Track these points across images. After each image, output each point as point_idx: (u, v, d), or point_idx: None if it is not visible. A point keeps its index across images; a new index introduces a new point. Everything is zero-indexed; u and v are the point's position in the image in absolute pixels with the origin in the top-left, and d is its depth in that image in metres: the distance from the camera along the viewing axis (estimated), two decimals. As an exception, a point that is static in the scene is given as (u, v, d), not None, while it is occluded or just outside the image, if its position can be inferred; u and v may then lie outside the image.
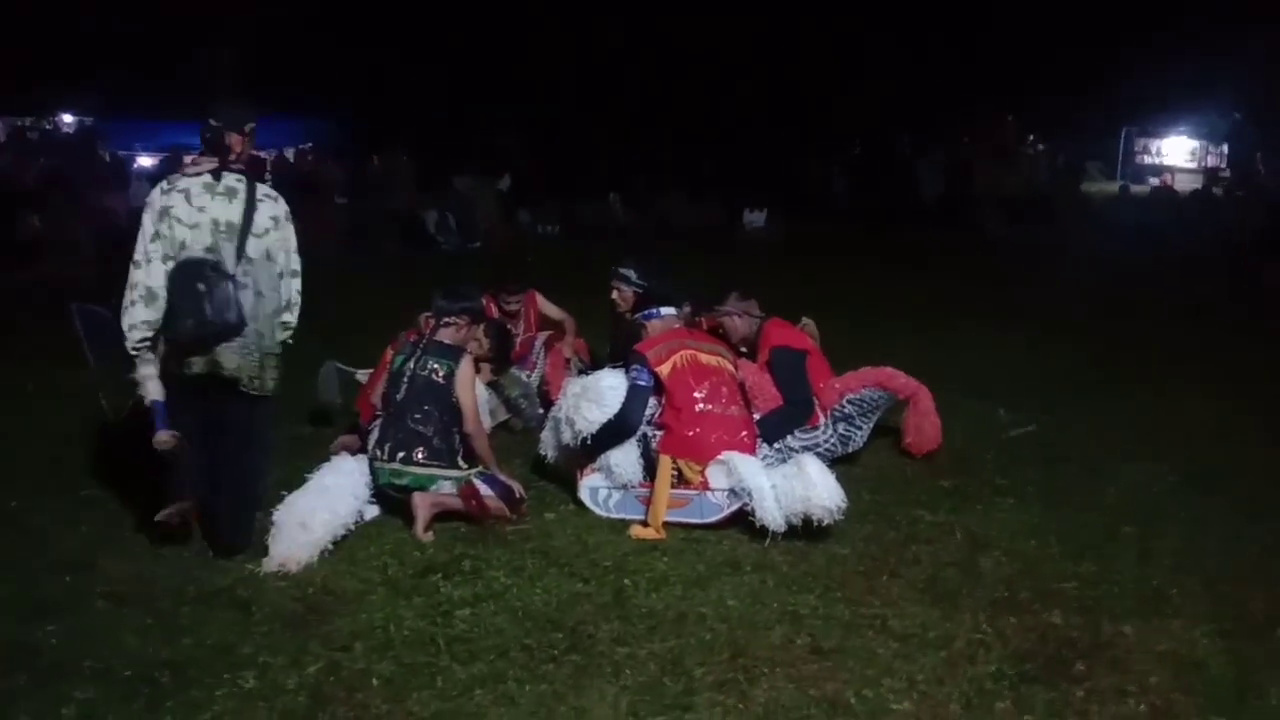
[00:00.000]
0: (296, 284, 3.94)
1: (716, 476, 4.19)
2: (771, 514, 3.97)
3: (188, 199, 3.74)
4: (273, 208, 3.85)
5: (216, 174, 3.80)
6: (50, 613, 3.48)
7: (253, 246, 3.77)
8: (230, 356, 3.73)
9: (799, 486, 3.97)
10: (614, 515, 4.32)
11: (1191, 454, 5.09)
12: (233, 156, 3.83)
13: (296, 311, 3.97)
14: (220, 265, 3.69)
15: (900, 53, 21.82)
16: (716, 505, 4.17)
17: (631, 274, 5.29)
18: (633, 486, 4.32)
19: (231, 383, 3.76)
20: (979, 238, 15.08)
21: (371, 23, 21.03)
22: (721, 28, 21.28)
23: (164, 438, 3.72)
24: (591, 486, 4.40)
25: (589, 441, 4.36)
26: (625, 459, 4.35)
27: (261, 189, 3.86)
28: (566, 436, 4.44)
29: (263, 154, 18.33)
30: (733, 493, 4.12)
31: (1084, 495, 4.56)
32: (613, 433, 4.34)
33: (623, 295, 5.31)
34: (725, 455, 4.21)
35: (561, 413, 4.48)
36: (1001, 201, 16.91)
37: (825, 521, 3.96)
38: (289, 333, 3.98)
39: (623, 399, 4.37)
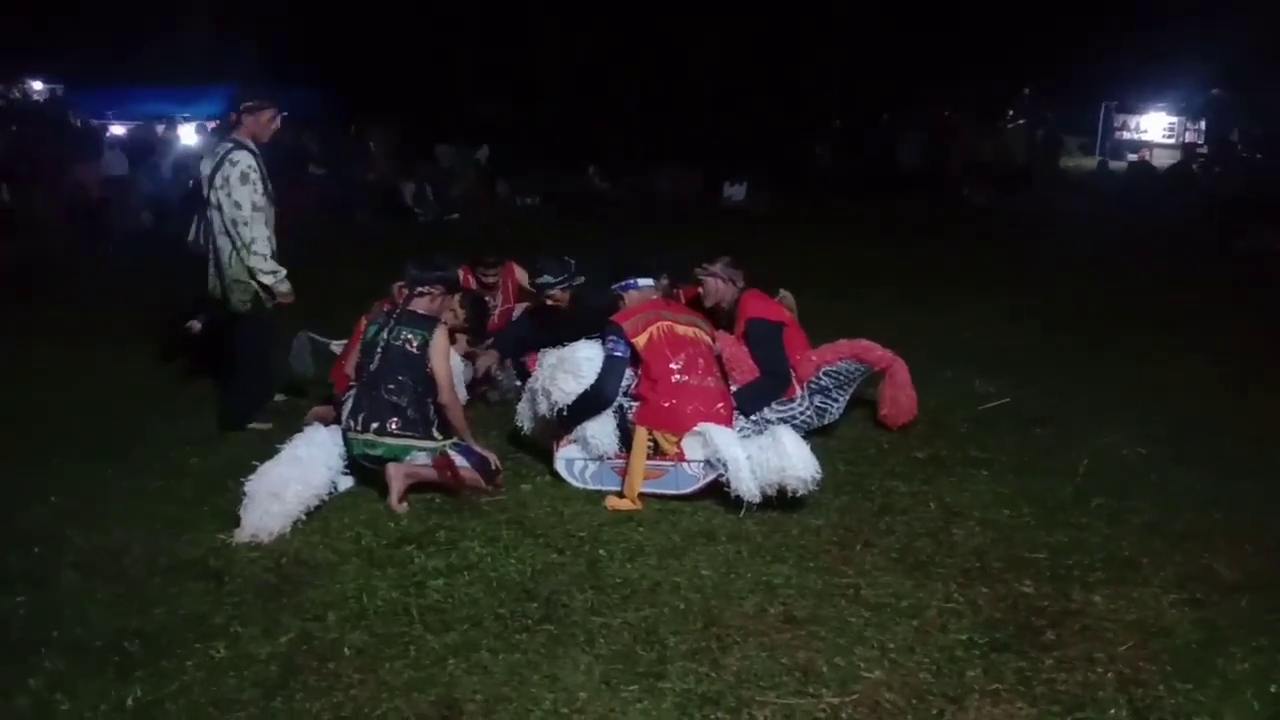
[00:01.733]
0: (246, 232, 4.74)
1: (692, 448, 4.18)
2: (747, 485, 3.97)
3: (201, 158, 5.09)
4: (228, 169, 4.75)
5: (221, 141, 4.98)
6: (19, 584, 3.45)
7: (213, 196, 4.80)
8: (210, 278, 4.94)
9: (774, 458, 3.97)
10: (590, 486, 4.32)
11: (1164, 419, 5.13)
12: (230, 129, 5.01)
13: (256, 255, 4.75)
14: (207, 208, 4.86)
15: (881, 24, 21.72)
16: (692, 476, 4.17)
17: (548, 279, 5.33)
18: (609, 458, 4.32)
19: (213, 298, 4.98)
20: (960, 207, 15.12)
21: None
22: (703, -2, 21.11)
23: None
24: (567, 458, 4.39)
25: (565, 413, 4.34)
26: (601, 430, 4.34)
27: (233, 155, 4.75)
28: (543, 408, 4.43)
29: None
30: (708, 464, 4.12)
31: (1057, 464, 4.58)
32: (589, 404, 4.32)
33: (558, 299, 5.35)
34: (701, 426, 4.20)
35: (538, 384, 4.46)
36: (982, 170, 16.94)
37: (800, 492, 3.97)
38: (265, 275, 4.78)
39: (599, 370, 4.35)
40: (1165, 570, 3.58)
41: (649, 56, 21.00)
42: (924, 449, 4.77)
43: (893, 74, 20.73)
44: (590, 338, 4.53)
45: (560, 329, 5.08)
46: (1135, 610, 3.31)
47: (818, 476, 3.98)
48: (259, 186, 4.76)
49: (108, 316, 7.68)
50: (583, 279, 5.39)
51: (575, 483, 4.35)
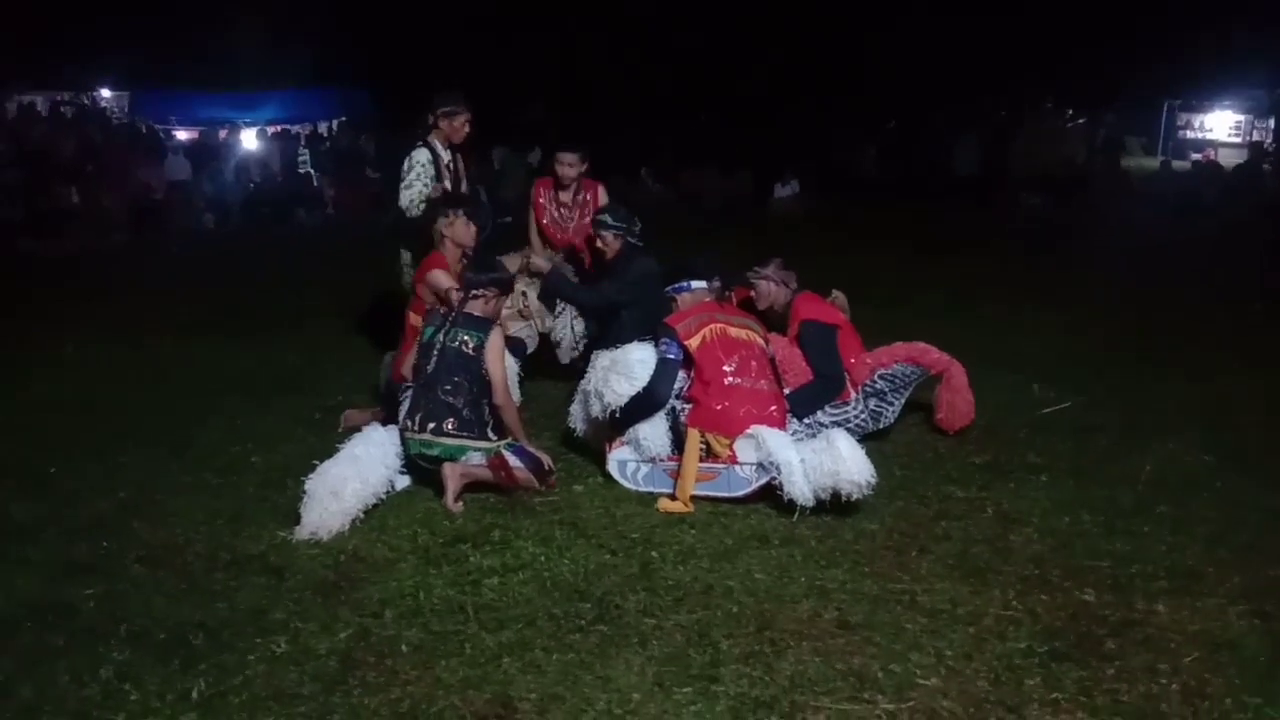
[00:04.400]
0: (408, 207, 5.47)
1: (745, 450, 4.17)
2: (800, 488, 3.95)
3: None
4: (406, 164, 5.52)
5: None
6: (87, 575, 3.55)
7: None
8: None
9: (828, 461, 3.95)
10: (642, 488, 4.33)
11: (1228, 432, 5.00)
12: (427, 132, 5.64)
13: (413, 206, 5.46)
14: None
15: (936, 24, 21.42)
16: (744, 479, 4.16)
17: (607, 219, 5.37)
18: (661, 460, 4.32)
19: None
20: (1014, 213, 14.85)
21: (403, -5, 21.01)
22: (753, -1, 21.03)
23: None
24: (620, 459, 4.41)
25: (618, 415, 4.35)
26: (654, 432, 4.35)
27: (413, 153, 5.52)
28: (595, 409, 4.44)
29: (295, 128, 18.44)
30: (761, 467, 4.10)
31: (1118, 471, 4.49)
32: (641, 406, 4.33)
33: (608, 243, 5.35)
34: (754, 429, 4.19)
35: (590, 386, 4.48)
36: (1040, 174, 16.60)
37: (854, 497, 3.93)
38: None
39: (652, 372, 4.36)
40: (1230, 581, 3.49)
41: (701, 57, 20.97)
42: (981, 454, 4.71)
43: (947, 73, 20.43)
44: (643, 339, 4.54)
45: (594, 275, 5.44)
46: (1200, 621, 3.24)
47: (872, 481, 3.95)
48: (423, 177, 5.47)
49: (169, 313, 7.87)
50: (638, 241, 5.42)
51: (627, 484, 4.36)
